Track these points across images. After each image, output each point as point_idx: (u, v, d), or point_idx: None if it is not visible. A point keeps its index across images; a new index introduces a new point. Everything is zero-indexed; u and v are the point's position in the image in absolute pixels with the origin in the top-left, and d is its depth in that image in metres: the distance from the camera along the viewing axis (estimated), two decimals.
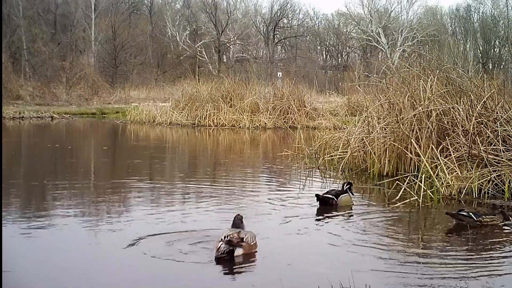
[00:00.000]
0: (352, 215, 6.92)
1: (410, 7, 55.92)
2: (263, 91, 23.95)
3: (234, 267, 4.79)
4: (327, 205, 7.18)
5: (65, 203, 7.18)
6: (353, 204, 7.39)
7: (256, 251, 5.08)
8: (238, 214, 5.40)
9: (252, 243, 5.05)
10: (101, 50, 44.76)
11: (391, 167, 9.93)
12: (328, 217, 6.74)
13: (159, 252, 5.06)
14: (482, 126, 8.90)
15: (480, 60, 49.63)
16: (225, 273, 4.64)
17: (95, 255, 5.00)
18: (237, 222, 5.28)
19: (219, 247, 4.88)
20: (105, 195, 7.93)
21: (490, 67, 49.69)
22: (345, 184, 7.53)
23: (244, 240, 4.96)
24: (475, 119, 8.82)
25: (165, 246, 5.28)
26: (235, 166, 12.10)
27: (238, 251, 4.91)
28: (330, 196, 7.27)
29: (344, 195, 7.37)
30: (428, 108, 9.61)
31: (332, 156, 11.10)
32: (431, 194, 7.59)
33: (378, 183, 9.14)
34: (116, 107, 31.12)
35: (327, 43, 59.80)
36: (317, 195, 7.32)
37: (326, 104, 27.17)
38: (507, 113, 9.21)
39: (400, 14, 56.08)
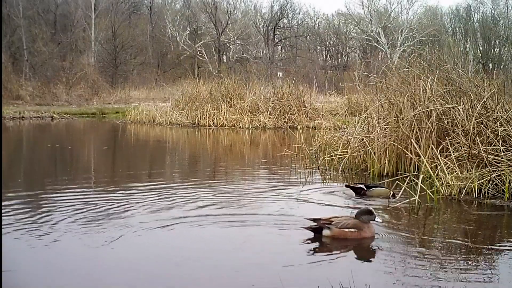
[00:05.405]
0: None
1: (410, 7, 56.08)
2: (263, 91, 23.93)
3: (233, 267, 4.79)
4: (357, 194, 8.00)
5: (65, 203, 7.17)
6: (390, 196, 7.73)
7: (352, 238, 5.46)
8: (367, 207, 5.74)
9: (345, 230, 5.43)
10: (101, 50, 44.76)
11: (391, 167, 9.94)
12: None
13: (159, 252, 5.07)
14: (482, 126, 8.89)
15: (480, 60, 49.66)
16: (224, 273, 4.63)
17: (95, 255, 4.99)
18: (357, 211, 5.68)
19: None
20: (105, 195, 7.92)
21: (490, 67, 49.70)
22: None
23: (332, 223, 5.42)
24: (475, 119, 8.82)
25: (165, 246, 5.28)
26: (234, 166, 12.10)
27: (325, 232, 5.43)
28: (360, 186, 8.03)
29: (379, 188, 8.06)
30: (428, 108, 9.61)
31: (332, 156, 11.10)
32: (431, 194, 7.58)
33: (378, 183, 9.14)
34: (116, 107, 31.11)
35: (327, 43, 59.82)
36: (347, 185, 8.28)
37: (326, 104, 27.18)
38: (507, 113, 9.20)
39: (400, 14, 56.25)
